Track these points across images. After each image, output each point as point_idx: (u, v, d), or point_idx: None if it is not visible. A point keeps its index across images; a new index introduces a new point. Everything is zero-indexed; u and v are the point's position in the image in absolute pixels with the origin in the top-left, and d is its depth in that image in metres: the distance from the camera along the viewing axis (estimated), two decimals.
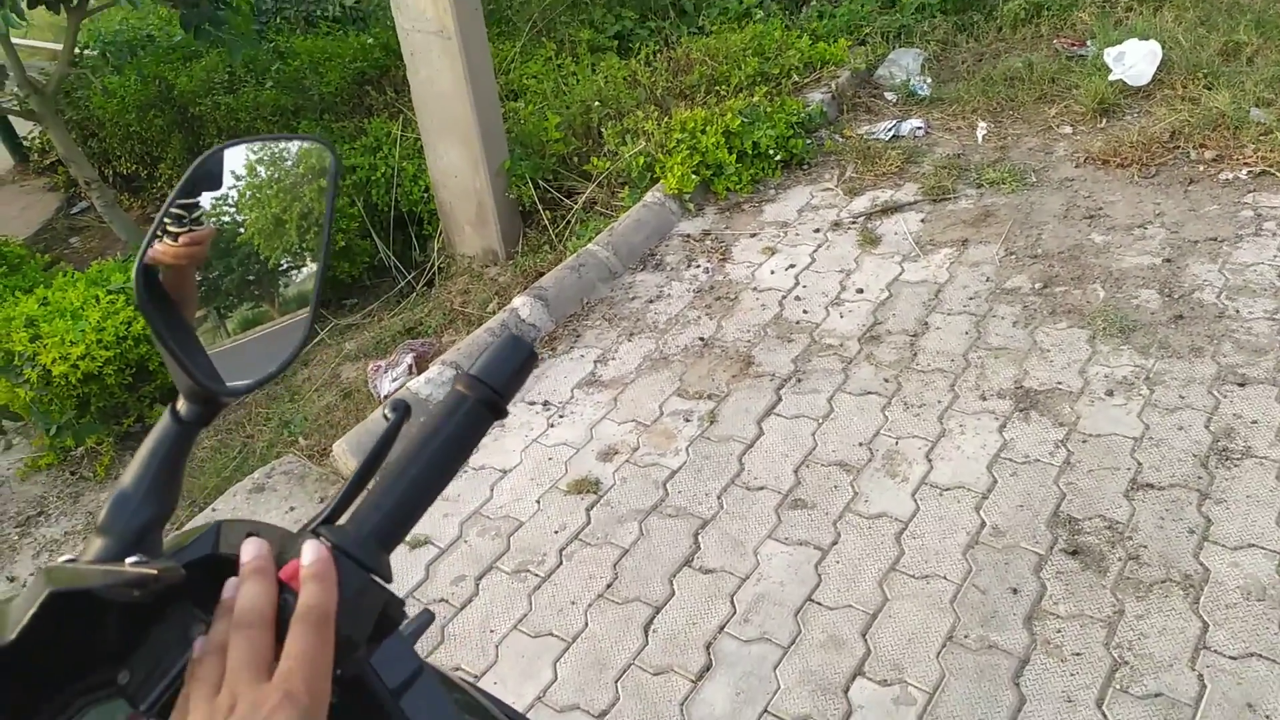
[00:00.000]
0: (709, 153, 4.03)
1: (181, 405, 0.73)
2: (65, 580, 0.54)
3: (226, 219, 0.84)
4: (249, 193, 0.86)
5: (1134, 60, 4.26)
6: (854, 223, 3.82)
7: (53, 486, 3.52)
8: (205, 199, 0.79)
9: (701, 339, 3.31)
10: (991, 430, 2.70)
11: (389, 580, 0.64)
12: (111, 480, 3.46)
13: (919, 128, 4.40)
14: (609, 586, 2.43)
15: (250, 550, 0.61)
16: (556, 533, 2.61)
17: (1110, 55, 4.38)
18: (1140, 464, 2.51)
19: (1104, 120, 4.21)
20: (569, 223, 4.08)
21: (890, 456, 2.68)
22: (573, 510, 2.68)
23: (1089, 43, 4.78)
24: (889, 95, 4.78)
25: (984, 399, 2.82)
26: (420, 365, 3.45)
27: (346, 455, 2.90)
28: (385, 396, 3.33)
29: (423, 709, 0.69)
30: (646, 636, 2.28)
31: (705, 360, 3.20)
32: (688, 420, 2.94)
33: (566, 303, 3.52)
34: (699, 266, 3.72)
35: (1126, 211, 3.58)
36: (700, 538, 2.53)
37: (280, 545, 0.71)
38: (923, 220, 3.77)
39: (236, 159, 0.81)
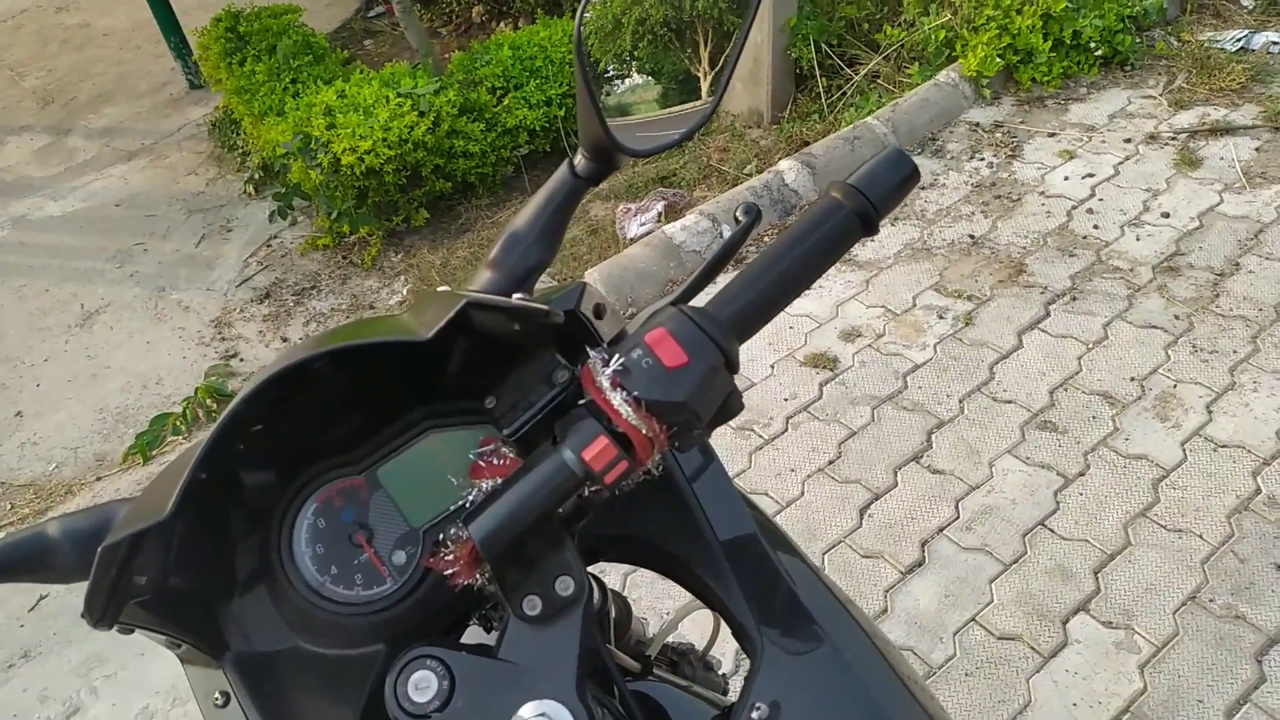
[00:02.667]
0: (1021, 36, 3.65)
1: (579, 160, 0.75)
2: (474, 298, 0.55)
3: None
4: None
5: None
6: (1173, 139, 3.39)
7: (326, 266, 3.85)
8: None
9: (971, 236, 3.09)
10: None
11: (737, 370, 0.62)
12: (376, 270, 3.75)
13: (1275, 43, 3.78)
14: (831, 463, 2.39)
15: None
16: (786, 400, 2.58)
17: None
18: None
19: None
20: (845, 94, 3.87)
21: (1164, 399, 2.44)
22: (806, 382, 2.63)
23: None
24: (1245, 1, 4.13)
25: None
26: (670, 214, 3.44)
27: (597, 285, 2.97)
28: (631, 239, 3.36)
29: (713, 495, 0.72)
30: (861, 519, 2.24)
31: (971, 259, 2.99)
32: (941, 317, 2.79)
33: (834, 174, 3.36)
34: (983, 159, 3.45)
35: None
36: (934, 437, 2.42)
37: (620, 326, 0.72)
38: (1257, 149, 3.28)
39: None
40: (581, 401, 0.61)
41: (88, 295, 3.84)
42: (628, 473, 0.58)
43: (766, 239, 3.22)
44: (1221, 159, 3.26)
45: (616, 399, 0.58)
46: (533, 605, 0.61)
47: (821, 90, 3.86)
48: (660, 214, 3.46)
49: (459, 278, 3.53)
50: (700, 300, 0.65)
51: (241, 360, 3.41)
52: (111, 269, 4.00)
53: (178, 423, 3.04)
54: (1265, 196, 3.06)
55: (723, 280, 0.67)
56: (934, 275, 2.95)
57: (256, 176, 4.36)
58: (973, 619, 2.00)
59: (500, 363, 0.65)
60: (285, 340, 3.48)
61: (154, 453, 2.97)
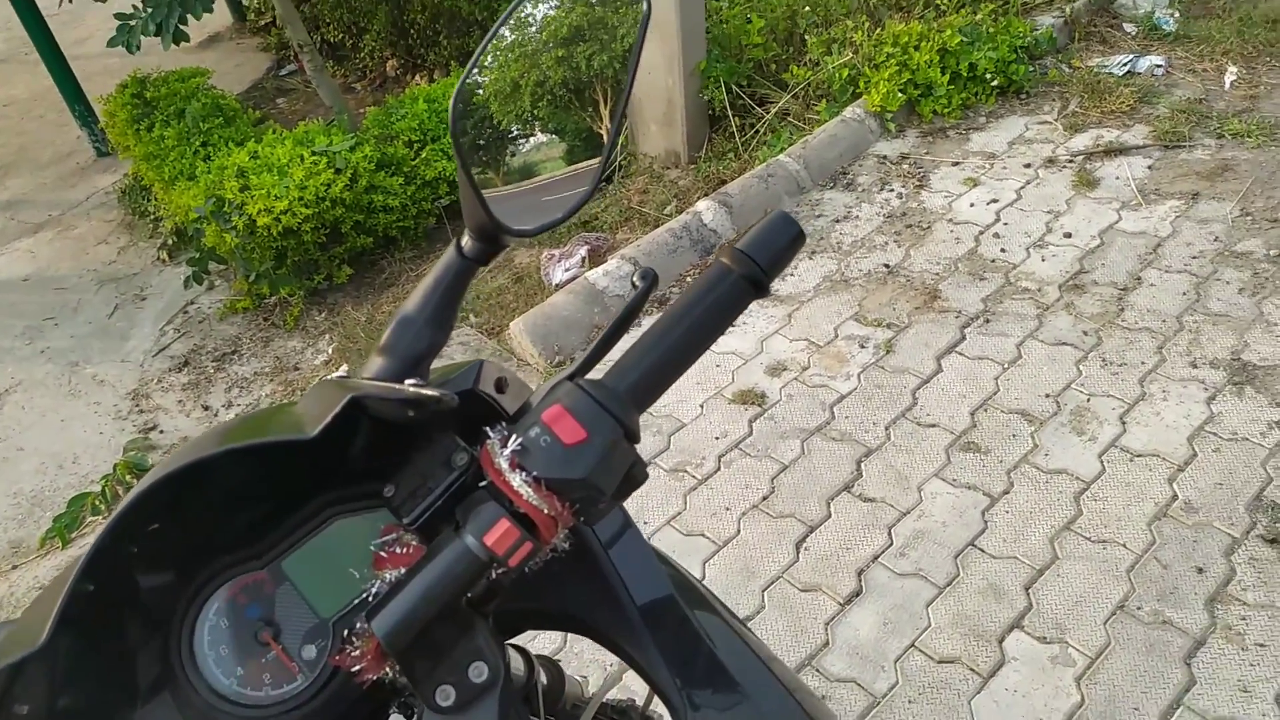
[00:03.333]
0: (920, 71, 3.79)
1: (466, 242, 0.74)
2: (360, 390, 0.54)
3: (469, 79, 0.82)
4: (490, 55, 0.85)
5: None
6: (1071, 161, 3.54)
7: (246, 329, 3.77)
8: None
9: (887, 265, 3.17)
10: (1198, 401, 2.49)
11: (637, 440, 0.63)
12: (299, 331, 3.68)
13: (1159, 66, 3.99)
14: (765, 499, 2.41)
15: None
16: (717, 439, 2.60)
17: None
18: None
19: None
20: (758, 132, 3.96)
21: (1079, 413, 2.52)
22: (736, 419, 2.65)
23: None
24: (1128, 27, 4.35)
25: (1194, 366, 2.59)
26: (593, 258, 3.46)
27: (522, 334, 2.96)
28: (557, 285, 3.37)
29: (629, 560, 0.71)
30: (798, 553, 2.26)
31: (888, 288, 3.07)
32: (863, 346, 2.85)
33: (750, 212, 3.43)
34: (892, 190, 3.55)
35: None
36: (863, 465, 2.46)
37: (524, 398, 0.72)
38: (1150, 167, 3.45)
39: (525, 11, 0.81)
40: (482, 484, 0.60)
41: None
42: (533, 553, 0.58)
43: (687, 277, 3.26)
44: (1117, 178, 3.41)
45: (516, 480, 0.58)
46: (446, 695, 0.60)
47: (735, 129, 3.94)
48: (584, 259, 3.48)
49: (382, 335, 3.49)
50: (599, 370, 0.66)
51: (161, 432, 3.31)
52: (21, 346, 3.86)
53: (97, 501, 2.92)
54: (1160, 212, 3.20)
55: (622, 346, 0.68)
56: (853, 305, 3.02)
57: (170, 243, 4.26)
58: (912, 645, 2.02)
59: (401, 446, 0.65)
60: (206, 408, 3.40)
61: (73, 535, 2.85)
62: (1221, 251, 2.98)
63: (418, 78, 5.36)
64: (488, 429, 0.62)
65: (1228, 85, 3.85)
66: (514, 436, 0.59)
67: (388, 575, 0.62)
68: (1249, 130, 3.50)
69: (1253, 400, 2.47)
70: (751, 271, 0.66)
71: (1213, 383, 2.54)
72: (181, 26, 3.79)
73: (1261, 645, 1.93)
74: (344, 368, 3.35)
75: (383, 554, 0.63)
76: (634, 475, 0.64)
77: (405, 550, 0.62)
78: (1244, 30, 4.13)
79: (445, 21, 5.03)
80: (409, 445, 0.64)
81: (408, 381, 0.67)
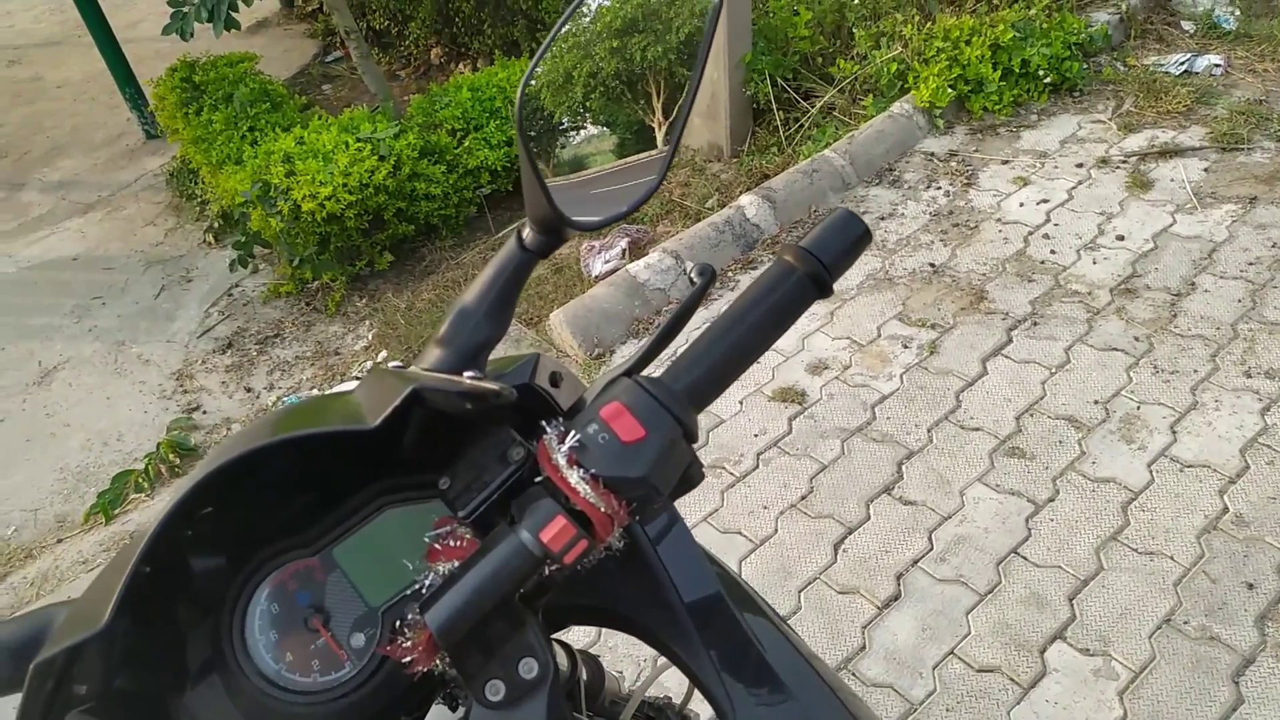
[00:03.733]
0: (971, 66, 3.72)
1: (528, 234, 0.74)
2: (420, 381, 0.54)
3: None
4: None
5: None
6: (1124, 162, 3.46)
7: (289, 313, 3.81)
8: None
9: (932, 265, 3.12)
10: (1252, 411, 2.43)
11: (695, 440, 0.62)
12: (340, 316, 3.72)
13: (1217, 65, 3.89)
14: (803, 498, 2.38)
15: None
16: (756, 436, 2.58)
17: None
18: None
19: None
20: (802, 126, 3.92)
21: (1128, 420, 2.46)
22: (775, 417, 2.63)
23: None
24: (1186, 25, 4.24)
25: (1249, 376, 2.53)
26: (633, 251, 3.45)
27: (562, 326, 2.96)
28: (596, 276, 3.36)
29: (677, 557, 0.70)
30: (836, 554, 2.23)
31: (933, 288, 3.02)
32: (906, 347, 2.81)
33: (794, 208, 3.39)
34: (939, 188, 3.49)
35: None
36: (904, 468, 2.43)
37: (578, 394, 0.71)
38: (1206, 169, 3.36)
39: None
40: (538, 479, 0.60)
41: (45, 352, 3.77)
42: (588, 551, 0.57)
43: (729, 272, 3.23)
44: (1172, 180, 3.33)
45: (573, 477, 0.57)
46: (495, 690, 0.59)
47: (779, 123, 3.91)
48: (624, 250, 3.47)
49: (424, 320, 3.50)
50: (657, 367, 0.64)
51: (204, 413, 3.35)
52: (69, 324, 3.93)
53: (140, 480, 2.98)
54: (1216, 216, 3.12)
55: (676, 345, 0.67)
56: (897, 305, 2.97)
57: (216, 226, 4.32)
58: (951, 652, 2.00)
59: (455, 438, 0.64)
60: (249, 390, 3.44)
61: (116, 511, 2.91)
62: (1279, 258, 2.91)
63: (462, 66, 5.37)
64: (544, 423, 0.61)
65: None
66: (572, 432, 0.59)
67: (441, 568, 0.61)
68: None
69: None
70: (815, 270, 0.65)
71: (1267, 393, 2.47)
72: (232, 13, 3.83)
73: None
74: (383, 354, 3.37)
75: (437, 546, 0.62)
76: (690, 475, 0.63)
77: (459, 543, 0.62)
78: None
79: (490, 10, 5.04)
80: (463, 437, 0.63)
81: (466, 374, 0.66)
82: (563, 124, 0.87)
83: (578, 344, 2.93)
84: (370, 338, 3.53)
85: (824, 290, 0.66)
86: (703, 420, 2.63)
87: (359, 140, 3.67)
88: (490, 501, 0.61)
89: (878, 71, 3.87)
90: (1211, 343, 2.65)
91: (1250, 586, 2.04)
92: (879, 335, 2.87)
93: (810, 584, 2.17)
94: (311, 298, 3.86)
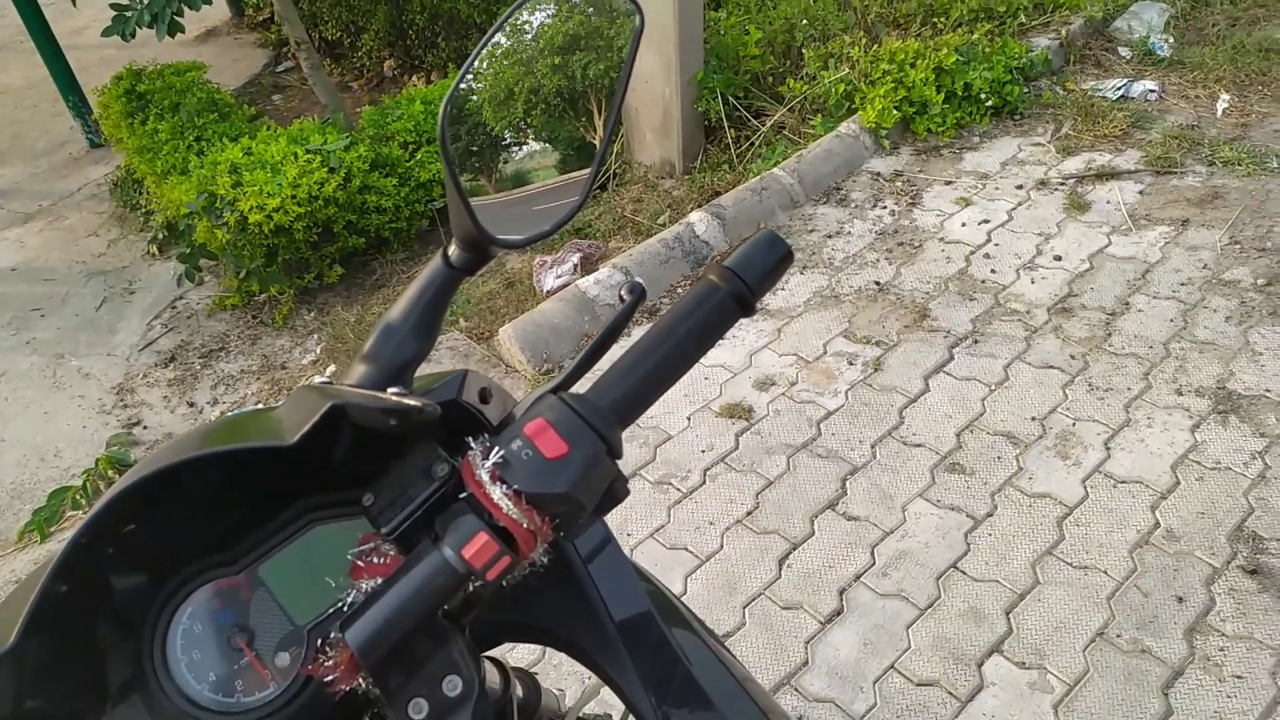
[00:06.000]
0: (915, 89, 3.80)
1: (453, 251, 0.74)
2: (342, 397, 0.54)
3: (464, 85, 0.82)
4: (486, 61, 0.84)
5: None
6: (1062, 184, 3.56)
7: (235, 326, 3.75)
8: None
9: (877, 283, 3.17)
10: (1183, 428, 2.50)
11: (619, 456, 0.63)
12: (287, 329, 3.67)
13: (1152, 91, 4.02)
14: (749, 514, 2.40)
15: None
16: (703, 452, 2.60)
17: None
18: None
19: None
20: (753, 144, 3.97)
21: (1064, 437, 2.52)
22: (722, 433, 2.65)
23: None
24: (1123, 51, 4.38)
25: (1180, 394, 2.60)
26: (585, 266, 3.46)
27: (511, 341, 2.96)
28: (548, 291, 3.36)
29: (608, 575, 0.71)
30: (780, 570, 2.26)
31: (878, 305, 3.07)
32: (851, 363, 2.85)
33: (743, 225, 3.43)
34: (885, 208, 3.56)
35: None
36: (848, 483, 2.46)
37: (509, 408, 0.72)
38: (1141, 192, 3.47)
39: (522, 20, 0.80)
40: (462, 495, 0.60)
41: None
42: (511, 567, 0.57)
43: (678, 289, 3.26)
44: (1108, 202, 3.43)
45: (496, 493, 0.57)
46: (419, 709, 0.59)
47: (730, 141, 3.95)
48: (576, 265, 3.48)
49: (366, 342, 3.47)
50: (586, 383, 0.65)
51: (145, 428, 3.28)
52: (6, 336, 3.83)
53: (78, 496, 2.90)
54: (1150, 237, 3.22)
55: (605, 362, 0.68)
56: (843, 322, 3.02)
57: (160, 237, 4.24)
58: (892, 666, 2.02)
59: (381, 454, 0.64)
60: (191, 405, 3.37)
61: (52, 529, 2.83)
62: (1210, 279, 3.00)
63: (415, 79, 5.35)
64: (470, 440, 0.61)
65: (1220, 112, 3.88)
66: (496, 449, 0.59)
67: (364, 585, 0.62)
68: (1240, 158, 3.52)
69: (1237, 429, 2.48)
70: (738, 289, 0.66)
71: (1198, 411, 2.55)
72: (177, 19, 3.78)
73: (1239, 677, 1.93)
74: (331, 368, 3.34)
75: (360, 563, 0.62)
76: (615, 491, 0.64)
77: (382, 560, 0.62)
78: (1237, 58, 4.16)
79: (444, 23, 5.03)
80: (390, 453, 0.64)
81: (390, 390, 0.66)
82: (505, 139, 0.88)
83: (527, 359, 2.93)
84: (318, 351, 3.50)
85: (747, 309, 0.67)
86: (650, 436, 2.65)
87: (309, 152, 3.63)
88: (414, 518, 0.61)
89: (826, 92, 3.93)
90: (1144, 361, 2.73)
91: (1180, 600, 2.10)
92: (825, 352, 2.91)
93: (755, 600, 2.19)
94: (258, 311, 3.81)
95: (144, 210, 4.47)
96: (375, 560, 0.62)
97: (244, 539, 0.67)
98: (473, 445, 0.60)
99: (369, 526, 0.63)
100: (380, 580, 0.59)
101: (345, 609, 0.60)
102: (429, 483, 0.61)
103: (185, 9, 3.76)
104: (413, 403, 0.58)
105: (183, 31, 3.83)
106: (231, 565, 0.67)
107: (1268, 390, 2.58)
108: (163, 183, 3.94)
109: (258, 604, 0.66)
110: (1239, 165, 3.51)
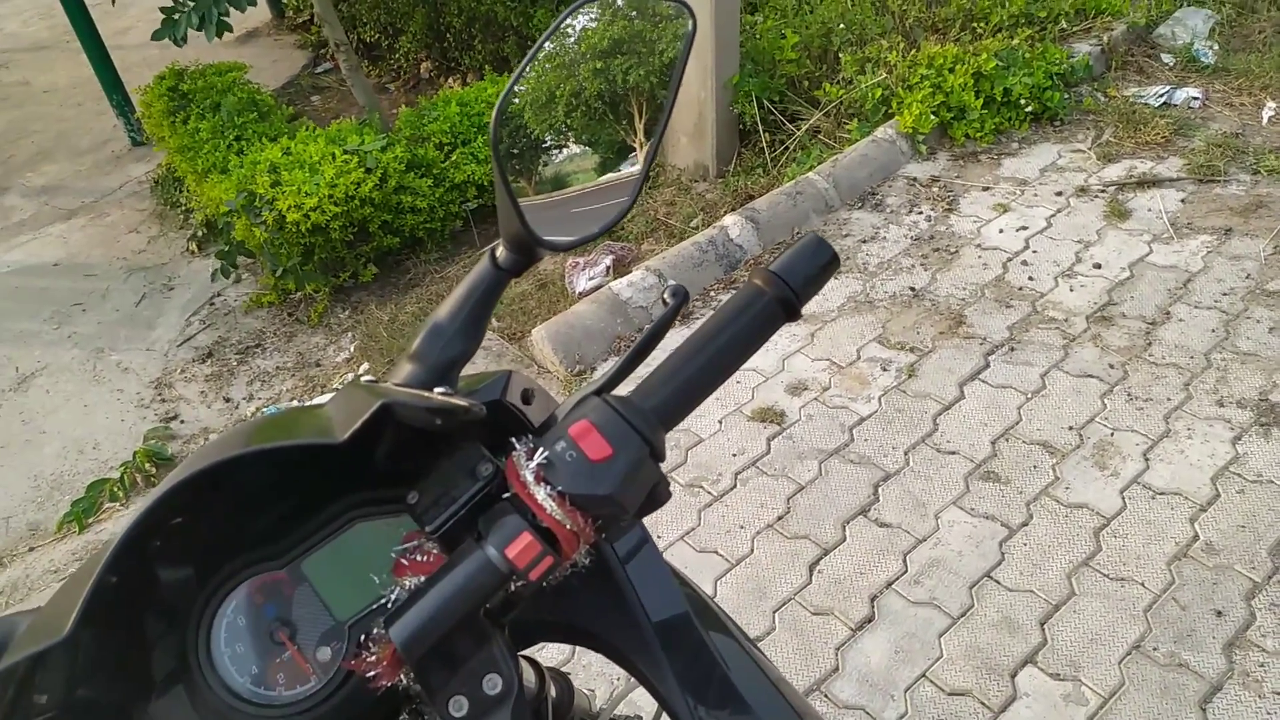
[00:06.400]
0: (954, 94, 3.77)
1: (501, 252, 0.75)
2: (390, 396, 0.54)
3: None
4: (530, 66, 0.85)
5: None
6: (1103, 191, 3.51)
7: (271, 323, 3.80)
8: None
9: (912, 289, 3.15)
10: (1224, 440, 2.46)
11: (663, 459, 0.63)
12: (322, 327, 3.71)
13: (1195, 98, 3.96)
14: (780, 519, 2.39)
15: None
16: (734, 455, 2.59)
17: None
18: None
19: None
20: (787, 148, 3.95)
21: (1102, 447, 2.49)
22: (753, 437, 2.64)
23: None
24: (1166, 58, 4.32)
25: (1221, 405, 2.56)
26: (618, 268, 3.46)
27: (544, 342, 2.97)
28: (580, 293, 3.37)
29: (646, 576, 0.71)
30: (811, 575, 2.24)
31: (913, 311, 3.05)
32: (885, 369, 2.83)
33: (777, 229, 3.42)
34: (921, 213, 3.53)
35: None
36: (880, 490, 2.44)
37: (550, 410, 0.72)
38: (1183, 200, 3.41)
39: (585, 16, 0.81)
40: (506, 495, 0.60)
41: (23, 358, 3.74)
42: (553, 568, 0.58)
43: (711, 292, 3.25)
44: (1149, 210, 3.38)
45: (540, 494, 0.58)
46: (459, 706, 0.60)
47: (765, 145, 3.94)
48: (609, 268, 3.48)
49: (407, 333, 3.50)
50: (627, 386, 0.65)
51: (182, 422, 3.33)
52: (48, 330, 3.90)
53: (115, 489, 2.96)
54: (1192, 246, 3.17)
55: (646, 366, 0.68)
56: (877, 327, 3.00)
57: (199, 234, 4.31)
58: (923, 675, 2.00)
59: (428, 453, 0.65)
60: (228, 400, 3.42)
61: (90, 521, 2.88)
62: (1253, 289, 2.95)
63: (451, 80, 5.39)
64: (514, 440, 0.62)
65: (1265, 120, 3.81)
66: (540, 449, 0.59)
67: (407, 582, 0.62)
68: None
69: (1279, 442, 2.43)
70: (784, 294, 0.66)
71: (1239, 423, 2.50)
72: (224, 19, 3.83)
73: (1279, 693, 1.89)
74: (365, 366, 3.37)
75: (404, 561, 0.63)
76: (657, 494, 0.64)
77: (426, 558, 0.62)
78: None
79: (481, 26, 5.06)
80: (434, 452, 0.64)
81: (436, 390, 0.67)
82: (545, 142, 0.88)
83: (559, 360, 2.93)
84: (352, 350, 3.53)
85: (792, 314, 0.67)
86: (681, 439, 2.64)
87: (346, 152, 3.67)
88: (458, 517, 0.61)
89: (862, 96, 3.91)
90: (1185, 371, 2.68)
91: (1219, 614, 2.06)
92: (858, 357, 2.89)
93: (785, 605, 2.18)
94: (294, 308, 3.85)
95: (184, 208, 4.53)
96: (419, 558, 0.62)
97: (288, 534, 0.68)
98: (517, 446, 0.61)
99: (411, 524, 0.64)
100: (424, 578, 0.60)
101: (389, 605, 0.60)
102: (473, 482, 0.62)
103: (232, 9, 3.81)
104: (459, 402, 0.58)
105: (230, 31, 3.88)
106: (276, 560, 0.67)
107: None
108: (203, 181, 4.00)
109: (300, 599, 0.67)
110: None
